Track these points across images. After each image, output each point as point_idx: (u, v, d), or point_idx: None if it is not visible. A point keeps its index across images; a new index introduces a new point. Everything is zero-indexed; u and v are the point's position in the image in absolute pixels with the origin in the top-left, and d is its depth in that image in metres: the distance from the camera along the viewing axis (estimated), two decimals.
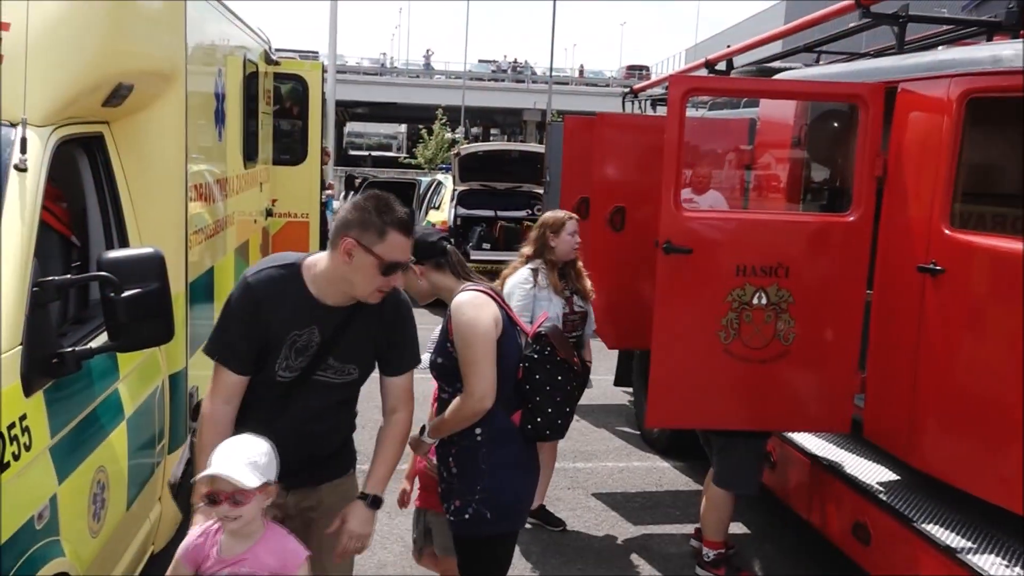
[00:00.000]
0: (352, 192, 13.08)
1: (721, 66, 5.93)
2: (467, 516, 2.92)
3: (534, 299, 4.49)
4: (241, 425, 2.54)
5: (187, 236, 3.73)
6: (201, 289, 4.14)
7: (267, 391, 2.59)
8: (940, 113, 3.60)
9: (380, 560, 4.46)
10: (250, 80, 5.67)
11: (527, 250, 4.70)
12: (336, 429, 2.76)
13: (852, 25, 4.83)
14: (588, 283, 4.77)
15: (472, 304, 2.89)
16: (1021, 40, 3.76)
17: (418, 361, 2.78)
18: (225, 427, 2.53)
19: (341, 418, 2.77)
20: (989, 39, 4.26)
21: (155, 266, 2.62)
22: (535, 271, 4.56)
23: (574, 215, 4.72)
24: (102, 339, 2.71)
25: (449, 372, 2.95)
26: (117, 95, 3.16)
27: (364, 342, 2.63)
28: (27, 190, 2.50)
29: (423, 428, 3.07)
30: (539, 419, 2.96)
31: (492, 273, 5.38)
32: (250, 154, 5.65)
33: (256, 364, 2.56)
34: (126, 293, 2.50)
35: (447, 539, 3.17)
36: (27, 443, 2.25)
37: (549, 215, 4.75)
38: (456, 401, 2.90)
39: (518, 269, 4.62)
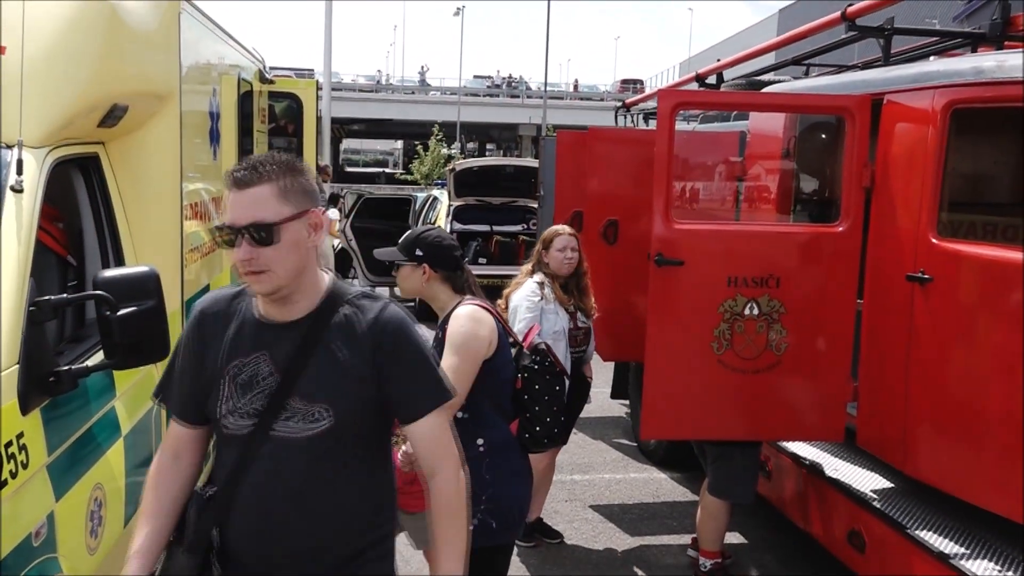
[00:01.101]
0: (332, 207, 12.43)
1: (711, 79, 5.99)
2: (471, 527, 2.93)
3: (542, 312, 4.53)
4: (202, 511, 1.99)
5: (183, 254, 3.76)
6: None
7: (226, 453, 2.01)
8: (925, 124, 3.65)
9: None
10: (245, 99, 5.71)
11: (527, 265, 4.78)
12: (330, 518, 1.95)
13: (840, 38, 4.90)
14: (592, 301, 4.81)
15: (472, 318, 2.92)
16: (1003, 51, 3.82)
17: (445, 395, 2.05)
18: (168, 487, 2.05)
19: (338, 501, 1.96)
20: (974, 50, 4.31)
21: (150, 284, 2.64)
22: (541, 284, 4.60)
23: (568, 230, 4.74)
24: (99, 357, 2.73)
25: None
26: (112, 116, 3.19)
27: (338, 370, 1.95)
28: (23, 211, 2.53)
29: None
30: (538, 428, 3.01)
31: (489, 288, 5.41)
32: None
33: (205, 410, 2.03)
34: (122, 311, 2.52)
35: (423, 532, 3.19)
36: (24, 461, 2.27)
37: (547, 230, 4.81)
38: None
39: (522, 284, 4.66)
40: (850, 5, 4.32)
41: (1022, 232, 4.19)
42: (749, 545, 5.07)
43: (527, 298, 4.54)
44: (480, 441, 2.94)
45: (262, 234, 1.88)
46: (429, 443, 2.03)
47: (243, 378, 1.97)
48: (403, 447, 3.06)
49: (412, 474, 3.26)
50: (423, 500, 2.12)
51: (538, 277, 4.63)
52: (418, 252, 2.97)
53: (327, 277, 2.05)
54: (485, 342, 2.92)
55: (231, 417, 1.96)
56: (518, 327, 4.46)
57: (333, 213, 11.94)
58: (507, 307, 4.64)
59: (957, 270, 3.56)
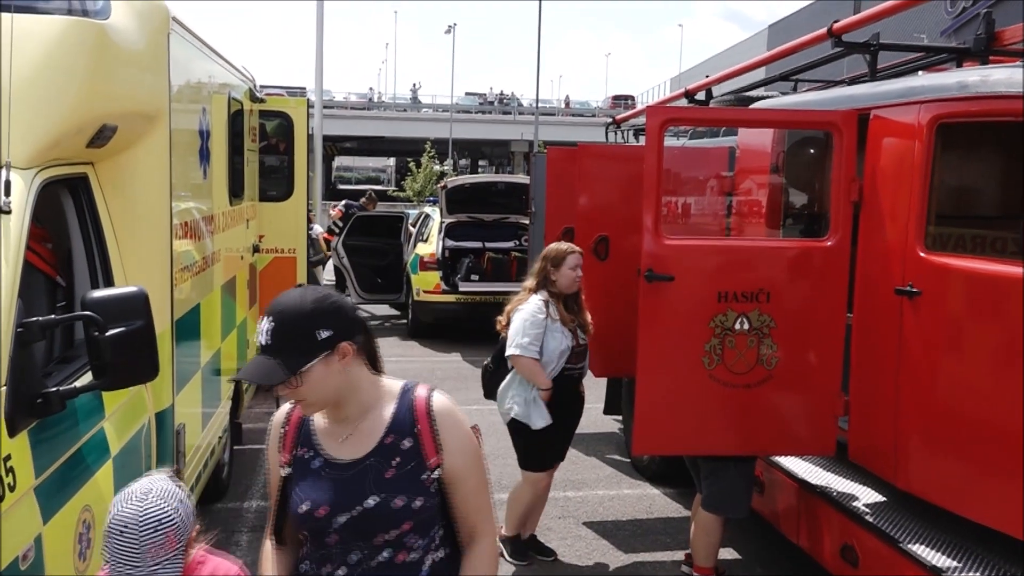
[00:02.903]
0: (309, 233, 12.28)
1: (701, 95, 6.03)
2: None
3: (547, 329, 4.52)
4: None
5: (172, 274, 3.76)
6: (187, 326, 4.16)
7: None
8: (911, 138, 3.68)
9: None
10: (235, 118, 5.72)
11: (529, 283, 4.74)
12: None
13: (827, 54, 4.93)
14: (588, 317, 4.80)
15: (458, 409, 2.06)
16: (988, 66, 3.86)
17: None
18: None
19: None
20: (959, 65, 4.35)
21: (139, 304, 2.64)
22: (546, 302, 4.59)
23: (577, 249, 4.73)
24: (87, 378, 2.72)
25: (432, 517, 1.99)
26: (101, 136, 3.20)
27: None
28: (11, 232, 2.53)
29: None
30: None
31: (482, 304, 5.40)
32: (236, 191, 5.69)
33: None
34: (110, 332, 2.52)
35: None
36: (11, 483, 2.26)
37: (552, 248, 4.77)
38: (484, 549, 2.04)
39: (526, 300, 4.64)
40: (836, 21, 4.37)
41: (1010, 245, 4.22)
42: (743, 560, 5.06)
43: (534, 314, 4.53)
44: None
45: None
46: None
47: None
48: None
49: None
50: None
51: (542, 295, 4.62)
52: (323, 333, 1.87)
53: None
54: None
55: None
56: (523, 340, 4.45)
57: (318, 228, 12.12)
58: (507, 323, 4.63)
59: (945, 283, 3.57)
